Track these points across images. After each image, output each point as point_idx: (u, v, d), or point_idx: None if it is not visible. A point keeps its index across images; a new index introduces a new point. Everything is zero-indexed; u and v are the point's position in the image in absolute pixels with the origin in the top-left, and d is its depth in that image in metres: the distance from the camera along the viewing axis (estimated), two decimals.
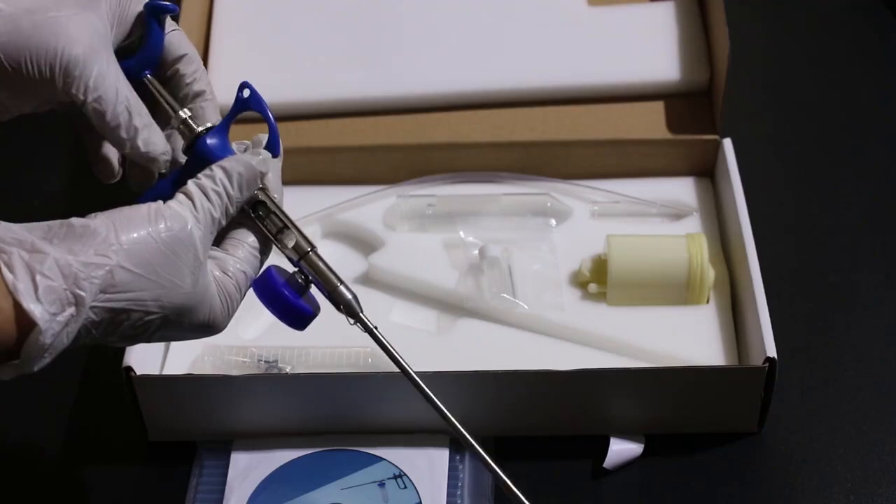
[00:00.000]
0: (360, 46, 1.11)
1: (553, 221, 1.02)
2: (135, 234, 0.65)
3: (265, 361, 0.92)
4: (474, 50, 1.10)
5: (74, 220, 0.64)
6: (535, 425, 0.90)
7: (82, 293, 0.63)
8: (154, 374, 0.91)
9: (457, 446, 0.89)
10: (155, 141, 0.73)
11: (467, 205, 1.03)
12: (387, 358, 0.92)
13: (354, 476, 0.87)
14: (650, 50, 1.09)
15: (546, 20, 1.12)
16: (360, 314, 0.74)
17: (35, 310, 0.61)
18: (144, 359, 0.89)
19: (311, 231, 1.03)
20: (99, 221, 0.65)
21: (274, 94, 1.07)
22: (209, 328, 0.70)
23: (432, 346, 0.94)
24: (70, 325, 0.63)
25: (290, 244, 0.73)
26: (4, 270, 0.61)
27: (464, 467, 0.88)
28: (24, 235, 0.63)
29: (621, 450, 0.88)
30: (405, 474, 0.87)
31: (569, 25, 1.12)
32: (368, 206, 1.04)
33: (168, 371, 0.92)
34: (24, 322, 0.61)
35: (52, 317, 0.62)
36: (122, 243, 0.64)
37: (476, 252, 0.98)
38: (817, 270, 1.02)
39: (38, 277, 0.61)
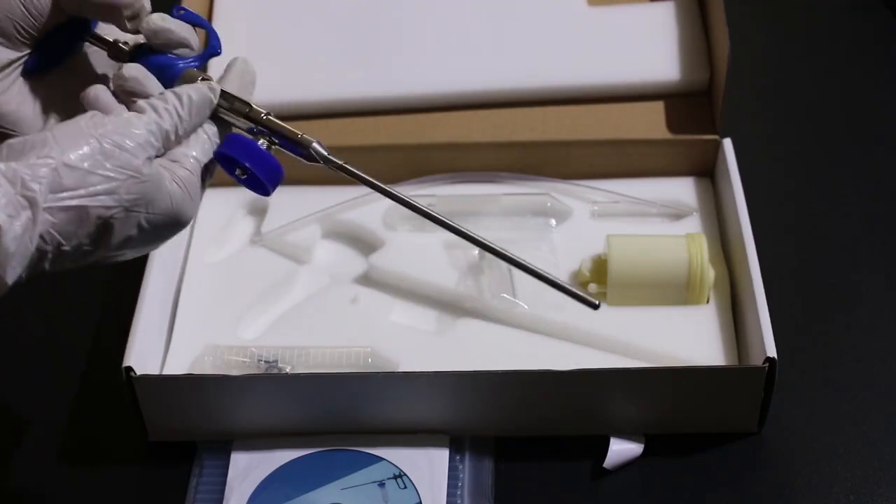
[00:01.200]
0: (360, 46, 1.11)
1: (553, 221, 1.02)
2: (74, 134, 0.67)
3: (265, 361, 0.92)
4: (474, 50, 1.10)
5: (13, 140, 0.67)
6: (535, 425, 0.90)
7: (32, 193, 0.64)
8: (154, 374, 0.91)
9: (457, 446, 0.89)
10: None
11: (467, 205, 1.03)
12: (387, 358, 0.92)
13: (354, 476, 0.87)
14: (650, 50, 1.09)
15: (546, 20, 1.12)
16: (327, 154, 0.78)
17: None
18: (144, 359, 0.89)
19: (311, 231, 1.03)
20: (38, 134, 0.67)
21: (274, 94, 1.07)
22: (176, 217, 0.72)
23: (432, 346, 0.94)
24: (29, 228, 0.65)
25: (243, 114, 0.76)
26: None
27: (464, 467, 0.88)
28: None
29: (621, 450, 0.88)
30: (405, 474, 0.87)
31: (569, 25, 1.12)
32: (368, 206, 1.04)
33: (168, 371, 0.92)
34: None
35: (9, 219, 0.64)
36: (62, 144, 0.67)
37: (476, 252, 0.98)
38: (817, 270, 1.02)
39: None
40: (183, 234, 1.02)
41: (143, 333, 0.90)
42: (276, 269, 1.00)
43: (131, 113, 0.71)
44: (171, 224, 0.72)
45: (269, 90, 1.06)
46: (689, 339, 0.93)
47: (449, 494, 0.86)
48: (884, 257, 1.02)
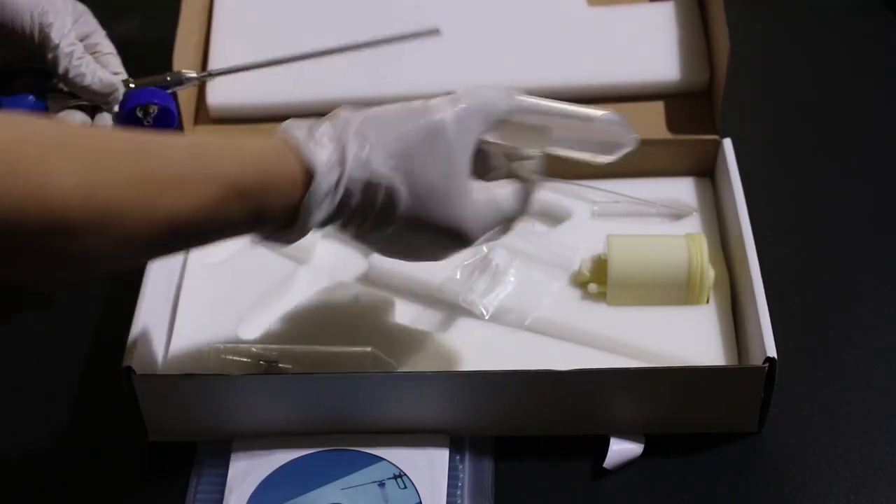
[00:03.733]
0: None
1: (578, 249, 1.02)
2: (391, 120, 0.77)
3: (265, 361, 0.92)
4: (474, 50, 1.10)
5: (341, 113, 0.77)
6: (535, 425, 0.90)
7: (346, 154, 0.74)
8: (154, 374, 0.91)
9: (457, 446, 0.89)
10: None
11: None
12: (387, 358, 0.92)
13: (354, 476, 0.87)
14: (650, 50, 1.09)
15: (546, 20, 1.12)
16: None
17: (315, 159, 0.73)
18: (144, 359, 0.89)
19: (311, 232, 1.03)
20: (359, 114, 0.77)
21: (274, 94, 1.08)
22: (458, 233, 0.78)
23: (432, 346, 0.94)
24: (338, 185, 0.74)
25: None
26: (289, 136, 0.74)
27: (464, 467, 0.88)
28: (301, 122, 0.76)
29: (621, 450, 0.88)
30: (405, 474, 0.87)
31: (569, 25, 1.12)
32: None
33: (168, 371, 0.92)
34: (307, 175, 0.73)
35: (326, 169, 0.73)
36: (378, 127, 0.76)
37: (478, 255, 0.98)
38: (817, 270, 1.02)
39: (313, 141, 0.74)
40: None
41: (143, 333, 0.90)
42: (276, 269, 1.00)
43: (448, 108, 0.78)
44: (448, 236, 0.79)
45: (269, 90, 1.07)
46: (689, 339, 0.93)
47: (449, 494, 0.86)
48: (884, 257, 1.02)
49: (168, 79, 0.94)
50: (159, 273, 0.95)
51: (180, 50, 1.02)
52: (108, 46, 0.92)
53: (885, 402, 0.92)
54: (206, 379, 0.88)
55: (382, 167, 0.75)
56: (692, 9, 1.12)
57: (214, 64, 1.10)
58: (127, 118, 0.90)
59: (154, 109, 0.90)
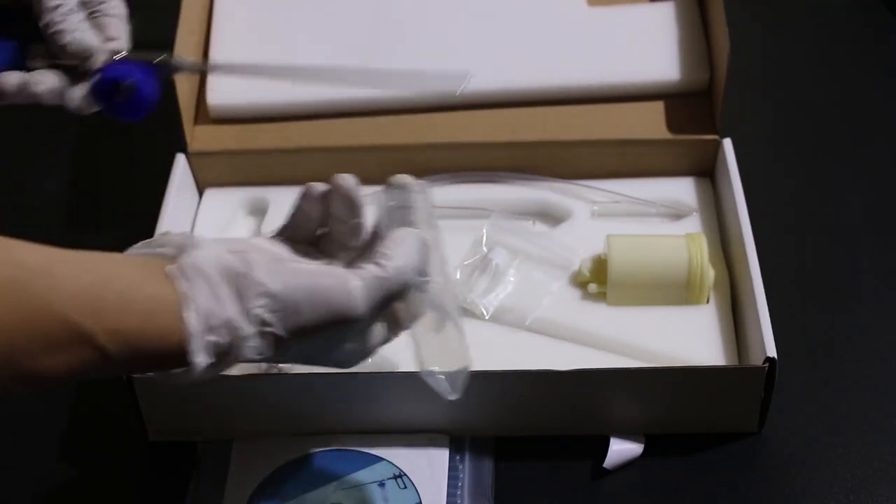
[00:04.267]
0: (360, 46, 1.11)
1: (580, 252, 1.02)
2: (308, 310, 0.67)
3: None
4: (474, 50, 1.10)
5: (255, 273, 0.67)
6: (535, 425, 0.90)
7: (239, 353, 0.67)
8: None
9: (457, 446, 0.89)
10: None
11: (469, 206, 1.03)
12: (387, 358, 0.92)
13: (354, 476, 0.87)
14: (650, 50, 1.09)
15: (546, 20, 1.12)
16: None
17: (197, 361, 0.66)
18: None
19: None
20: (279, 287, 0.67)
21: (274, 94, 1.08)
22: (337, 366, 0.73)
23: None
24: (215, 370, 0.68)
25: None
26: (189, 312, 0.65)
27: (464, 467, 0.88)
28: (212, 268, 0.66)
29: (621, 450, 0.88)
30: (405, 474, 0.87)
31: (569, 25, 1.12)
32: (368, 206, 1.03)
33: None
34: (183, 359, 0.65)
35: (206, 364, 0.66)
36: (289, 315, 0.67)
37: (478, 254, 0.98)
38: (817, 270, 1.02)
39: (208, 335, 0.65)
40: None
41: None
42: None
43: (363, 296, 0.69)
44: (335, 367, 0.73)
45: (269, 90, 1.07)
46: (689, 339, 0.93)
47: (449, 494, 0.86)
48: (884, 257, 1.02)
49: (164, 59, 0.85)
50: None
51: (180, 49, 1.02)
52: (116, 8, 0.84)
53: (885, 402, 0.92)
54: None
55: (271, 358, 0.69)
56: (692, 9, 1.12)
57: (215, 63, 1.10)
58: (96, 90, 0.82)
59: (129, 87, 0.81)
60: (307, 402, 0.88)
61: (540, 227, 1.03)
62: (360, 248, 0.75)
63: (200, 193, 1.07)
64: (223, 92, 1.08)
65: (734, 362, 0.92)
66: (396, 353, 0.92)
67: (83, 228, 1.08)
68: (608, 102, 1.08)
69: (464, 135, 1.06)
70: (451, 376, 0.76)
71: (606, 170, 1.06)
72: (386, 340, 0.74)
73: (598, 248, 0.98)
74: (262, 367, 0.91)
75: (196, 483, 0.88)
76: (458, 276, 0.97)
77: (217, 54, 1.10)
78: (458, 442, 0.89)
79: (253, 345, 0.67)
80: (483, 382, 0.87)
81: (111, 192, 1.13)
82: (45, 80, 0.82)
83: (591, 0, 1.13)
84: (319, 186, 0.76)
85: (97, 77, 0.82)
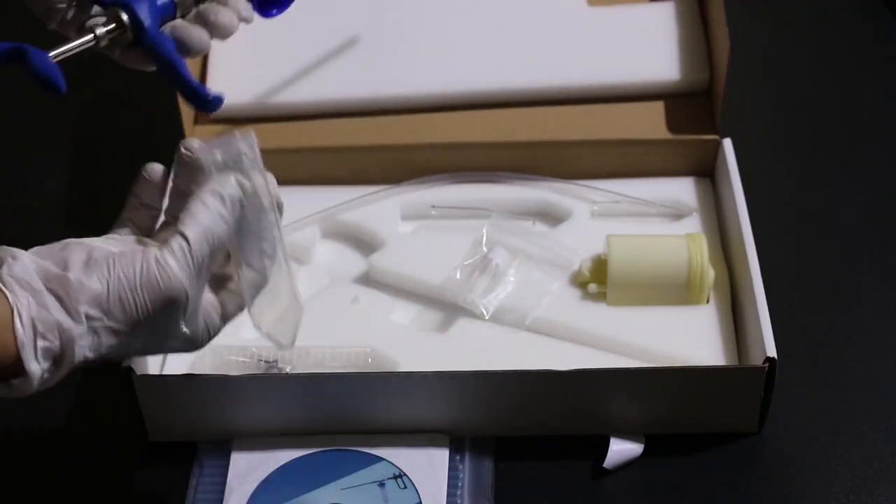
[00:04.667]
0: (360, 46, 1.11)
1: (579, 251, 1.02)
2: (132, 301, 0.69)
3: (265, 361, 0.92)
4: (474, 50, 1.10)
5: (71, 274, 0.69)
6: (535, 425, 0.90)
7: (73, 353, 0.68)
8: (154, 374, 0.91)
9: (457, 446, 0.89)
10: None
11: (469, 206, 1.03)
12: (387, 358, 0.92)
13: (354, 476, 0.87)
14: (650, 50, 1.09)
15: (546, 20, 1.12)
16: None
17: (32, 368, 0.68)
18: (144, 359, 0.89)
19: (311, 232, 1.03)
20: (99, 286, 0.69)
21: (274, 94, 1.07)
22: (189, 349, 0.75)
23: (432, 346, 0.94)
24: (57, 374, 0.69)
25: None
26: (16, 321, 0.67)
27: (464, 467, 0.88)
28: (31, 277, 0.68)
29: (621, 450, 0.88)
30: (405, 474, 0.87)
31: (569, 25, 1.12)
32: (369, 206, 1.04)
33: (168, 371, 0.92)
34: (19, 367, 0.68)
35: (42, 370, 0.68)
36: (118, 311, 0.69)
37: (478, 254, 0.98)
38: (817, 270, 1.02)
39: (39, 341, 0.67)
40: None
41: None
42: None
43: (182, 265, 0.70)
44: (184, 350, 0.75)
45: (269, 90, 1.07)
46: (689, 339, 0.93)
47: (449, 494, 0.86)
48: (884, 257, 1.02)
49: None
50: None
51: None
52: None
53: (885, 402, 0.92)
54: (206, 379, 0.88)
55: (114, 350, 0.71)
56: (692, 9, 1.12)
57: (215, 63, 1.10)
58: None
59: None
60: (307, 402, 0.88)
61: (540, 227, 1.03)
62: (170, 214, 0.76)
63: None
64: (223, 92, 1.08)
65: (734, 362, 0.92)
66: (397, 354, 0.92)
67: (83, 228, 1.07)
68: (608, 102, 1.08)
69: (464, 135, 1.06)
70: (284, 331, 0.78)
71: (606, 170, 1.05)
72: (225, 316, 0.76)
73: (598, 248, 0.98)
74: (262, 368, 0.91)
75: (196, 483, 0.88)
76: (458, 276, 0.97)
77: (216, 53, 1.10)
78: (458, 442, 0.89)
79: (85, 343, 0.69)
80: (483, 382, 0.87)
81: (111, 192, 1.12)
82: (221, 11, 0.83)
83: (591, 0, 1.13)
84: (157, 168, 0.77)
85: None
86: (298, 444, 0.89)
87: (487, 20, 1.12)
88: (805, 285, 1.00)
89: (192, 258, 0.71)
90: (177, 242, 0.71)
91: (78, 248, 0.71)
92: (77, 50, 0.78)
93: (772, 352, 0.85)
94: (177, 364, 0.93)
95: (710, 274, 0.95)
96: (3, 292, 0.67)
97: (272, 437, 0.89)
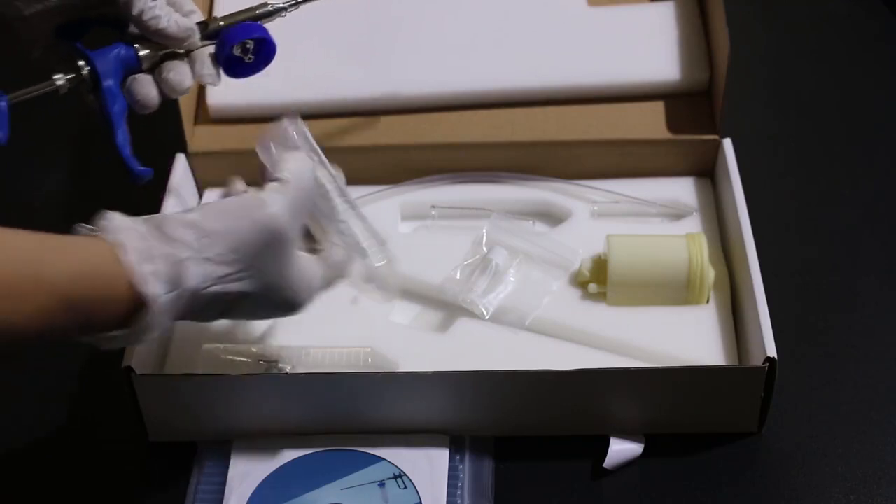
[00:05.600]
0: (360, 46, 1.11)
1: (579, 250, 1.02)
2: (231, 226, 0.75)
3: (265, 361, 0.92)
4: (474, 50, 1.10)
5: (175, 215, 0.75)
6: (535, 425, 0.90)
7: (186, 280, 0.73)
8: (154, 374, 0.91)
9: (457, 446, 0.89)
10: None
11: (469, 206, 1.03)
12: (387, 358, 0.92)
13: (354, 476, 0.87)
14: (650, 50, 1.09)
15: (546, 20, 1.12)
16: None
17: (149, 291, 0.71)
18: (144, 359, 0.89)
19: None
20: (196, 216, 0.75)
21: (274, 94, 1.07)
22: (294, 307, 0.81)
23: (432, 346, 0.94)
24: (174, 305, 0.73)
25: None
26: (122, 254, 0.71)
27: (464, 467, 0.88)
28: (136, 225, 0.73)
29: (621, 450, 0.88)
30: (405, 474, 0.87)
31: (569, 25, 1.12)
32: (368, 206, 1.04)
33: (168, 371, 0.93)
34: (137, 300, 0.71)
35: (161, 296, 0.72)
36: (219, 236, 0.74)
37: (478, 254, 0.98)
38: (817, 270, 1.02)
39: (148, 266, 0.72)
40: None
41: None
42: None
43: (280, 209, 0.77)
44: (285, 313, 0.81)
45: (269, 90, 1.07)
46: (689, 339, 0.93)
47: (449, 494, 0.86)
48: (884, 257, 1.02)
49: (257, 11, 0.90)
50: None
51: None
52: None
53: (885, 402, 0.92)
54: (206, 379, 0.88)
55: (225, 282, 0.75)
56: (692, 9, 1.12)
57: None
58: (227, 60, 0.87)
59: (251, 45, 0.88)
60: (307, 402, 0.88)
61: (540, 227, 1.03)
62: None
63: (200, 193, 1.07)
64: (223, 92, 1.08)
65: (734, 362, 0.92)
66: (397, 354, 0.92)
67: None
68: (608, 102, 1.08)
69: (464, 135, 1.06)
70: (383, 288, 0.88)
71: (606, 170, 1.06)
72: (325, 280, 0.82)
73: (598, 248, 0.98)
74: (262, 368, 0.91)
75: (196, 483, 0.88)
76: (458, 276, 0.97)
77: None
78: (458, 442, 0.89)
79: (196, 270, 0.73)
80: (483, 382, 0.87)
81: (111, 192, 1.12)
82: (177, 68, 0.85)
83: (591, 0, 1.13)
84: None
85: (222, 49, 0.87)
86: (298, 444, 0.89)
87: (487, 20, 1.12)
88: (805, 285, 1.00)
89: (291, 193, 0.78)
90: (270, 185, 0.78)
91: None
92: (37, 94, 0.81)
93: (772, 352, 0.85)
94: (177, 364, 0.93)
95: (710, 274, 0.95)
96: (103, 239, 0.71)
97: (272, 437, 0.89)
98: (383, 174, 1.06)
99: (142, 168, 0.84)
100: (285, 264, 0.78)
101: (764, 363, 0.85)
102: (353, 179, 1.05)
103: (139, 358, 0.88)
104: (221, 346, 0.93)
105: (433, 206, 1.03)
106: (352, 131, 1.07)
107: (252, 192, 0.80)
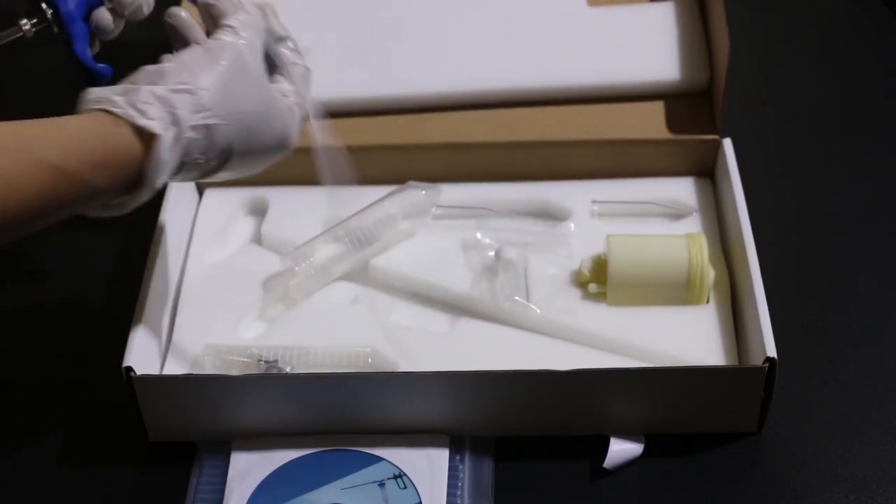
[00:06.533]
0: (361, 46, 1.11)
1: (572, 225, 1.02)
2: (201, 62, 0.79)
3: (265, 361, 0.92)
4: (474, 50, 1.10)
5: (147, 67, 0.78)
6: (535, 425, 0.90)
7: (178, 111, 0.76)
8: (154, 374, 0.91)
9: (457, 446, 0.89)
10: None
11: (471, 206, 1.03)
12: (387, 358, 0.93)
13: (354, 476, 0.87)
14: (650, 50, 1.09)
15: (546, 20, 1.12)
16: None
17: (150, 124, 0.75)
18: (144, 359, 0.89)
19: (312, 231, 1.02)
20: (166, 63, 0.79)
21: None
22: (284, 139, 0.83)
23: (432, 346, 0.94)
24: (177, 141, 0.76)
25: None
26: (111, 108, 0.75)
27: (464, 467, 0.88)
28: (110, 88, 0.77)
29: (621, 450, 0.88)
30: (405, 474, 0.87)
31: (569, 25, 1.12)
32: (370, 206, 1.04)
33: (168, 371, 0.93)
34: (144, 140, 0.75)
35: (164, 131, 0.75)
36: (195, 71, 0.78)
37: (491, 254, 0.98)
38: (817, 270, 1.02)
39: (140, 105, 0.75)
40: (183, 234, 1.02)
41: (143, 333, 0.90)
42: (275, 269, 0.99)
43: (237, 39, 0.81)
44: (278, 147, 0.83)
45: None
46: (689, 339, 0.93)
47: (449, 494, 0.86)
48: (884, 257, 1.02)
49: None
50: (159, 273, 0.95)
51: None
52: None
53: (885, 402, 0.92)
54: (206, 379, 0.88)
55: (212, 114, 0.78)
56: (692, 9, 1.12)
57: None
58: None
59: None
60: (307, 402, 0.88)
61: (540, 227, 1.03)
62: None
63: (200, 193, 1.07)
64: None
65: (734, 362, 0.92)
66: (397, 354, 0.92)
67: (83, 228, 1.07)
68: (608, 102, 1.08)
69: (464, 135, 1.06)
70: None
71: (606, 170, 1.06)
72: (298, 95, 0.86)
73: (598, 248, 0.98)
74: (262, 368, 0.91)
75: (196, 483, 0.88)
76: (483, 283, 0.97)
77: None
78: (458, 442, 0.89)
79: (185, 99, 0.76)
80: (483, 382, 0.87)
81: None
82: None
83: (591, 0, 1.13)
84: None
85: None
86: (298, 444, 0.89)
87: (487, 20, 1.12)
88: (805, 286, 1.00)
89: (241, 34, 0.82)
90: (222, 29, 0.82)
91: None
92: (4, 41, 0.84)
93: (772, 352, 0.85)
94: (177, 364, 0.93)
95: (710, 274, 0.95)
96: (89, 109, 0.75)
97: (272, 437, 0.89)
98: (384, 174, 1.06)
99: (101, 66, 0.87)
100: (261, 99, 0.81)
101: (764, 363, 0.85)
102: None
103: (139, 358, 0.88)
104: (221, 345, 0.93)
105: (434, 206, 1.03)
106: (352, 131, 1.07)
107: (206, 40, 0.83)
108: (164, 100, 0.76)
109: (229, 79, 0.79)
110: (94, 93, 0.76)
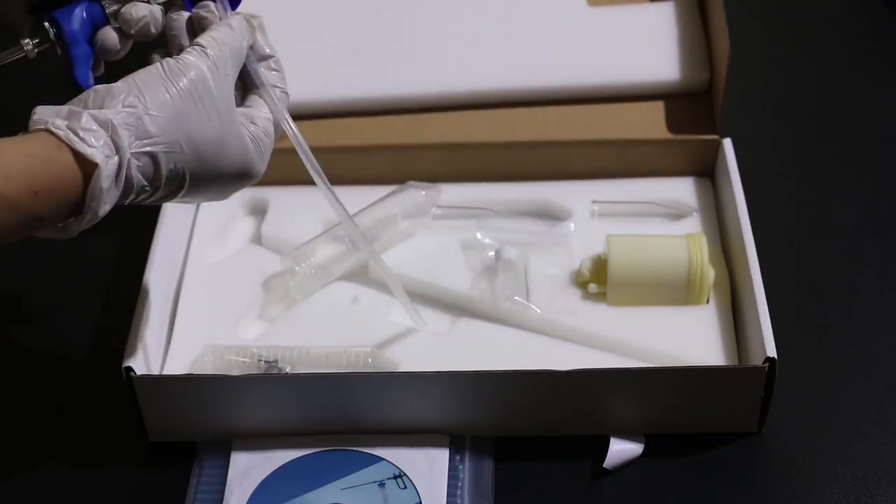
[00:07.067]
0: (360, 46, 1.11)
1: (572, 225, 1.02)
2: (155, 84, 0.75)
3: (265, 361, 0.92)
4: (474, 50, 1.10)
5: (98, 87, 0.75)
6: (535, 425, 0.90)
7: (120, 139, 0.72)
8: (154, 374, 0.91)
9: (457, 446, 0.89)
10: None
11: (471, 206, 1.03)
12: (387, 358, 0.92)
13: (354, 476, 0.87)
14: (650, 50, 1.09)
15: (546, 20, 1.12)
16: None
17: (90, 152, 0.71)
18: (144, 359, 0.89)
19: (312, 231, 1.03)
20: (119, 83, 0.75)
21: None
22: (246, 168, 0.79)
23: (432, 346, 0.94)
24: (120, 169, 0.73)
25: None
26: (54, 130, 0.71)
27: (464, 467, 0.88)
28: (57, 109, 0.73)
29: (621, 450, 0.88)
30: (405, 474, 0.87)
31: (569, 25, 1.12)
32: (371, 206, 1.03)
33: (168, 371, 0.92)
34: (85, 168, 0.72)
35: (105, 159, 0.72)
36: (145, 93, 0.74)
37: (491, 254, 0.98)
38: (817, 270, 1.02)
39: (80, 132, 0.71)
40: (183, 234, 1.02)
41: (143, 333, 0.90)
42: (275, 269, 1.00)
43: (202, 61, 0.77)
44: (239, 175, 0.79)
45: None
46: (689, 339, 0.93)
47: (449, 494, 0.86)
48: (884, 257, 1.02)
49: None
50: (159, 273, 0.95)
51: None
52: None
53: (885, 402, 0.92)
54: (206, 379, 0.88)
55: (157, 140, 0.74)
56: (692, 9, 1.12)
57: None
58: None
59: None
60: (307, 402, 0.88)
61: (540, 227, 1.03)
62: None
63: None
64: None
65: (734, 362, 0.92)
66: (397, 354, 0.92)
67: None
68: (608, 102, 1.08)
69: (464, 135, 1.06)
70: None
71: (606, 170, 1.06)
72: (269, 122, 0.81)
73: (598, 248, 0.98)
74: (262, 368, 0.91)
75: (196, 483, 0.88)
76: (483, 283, 0.97)
77: None
78: (458, 442, 0.89)
79: (129, 122, 0.73)
80: (483, 382, 0.87)
81: None
82: (139, 12, 0.83)
83: (591, 0, 1.13)
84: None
85: None
86: (298, 444, 0.89)
87: (487, 20, 1.12)
88: (805, 285, 1.00)
89: (210, 54, 0.77)
90: (192, 47, 0.78)
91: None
92: (6, 61, 0.81)
93: (772, 352, 0.85)
94: (177, 364, 0.93)
95: (710, 274, 0.95)
96: (38, 130, 0.72)
97: (272, 437, 0.89)
98: (384, 174, 1.06)
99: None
100: (221, 125, 0.77)
101: (764, 363, 0.85)
102: (353, 179, 1.05)
103: (139, 358, 0.88)
104: (221, 345, 0.93)
105: (434, 206, 1.03)
106: (352, 131, 1.07)
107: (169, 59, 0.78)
108: (107, 125, 0.72)
109: (184, 103, 0.75)
110: (40, 112, 0.73)
